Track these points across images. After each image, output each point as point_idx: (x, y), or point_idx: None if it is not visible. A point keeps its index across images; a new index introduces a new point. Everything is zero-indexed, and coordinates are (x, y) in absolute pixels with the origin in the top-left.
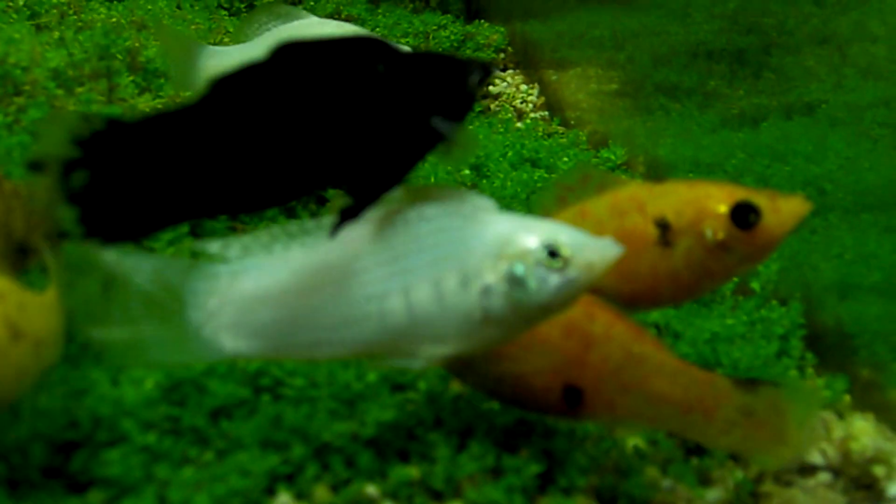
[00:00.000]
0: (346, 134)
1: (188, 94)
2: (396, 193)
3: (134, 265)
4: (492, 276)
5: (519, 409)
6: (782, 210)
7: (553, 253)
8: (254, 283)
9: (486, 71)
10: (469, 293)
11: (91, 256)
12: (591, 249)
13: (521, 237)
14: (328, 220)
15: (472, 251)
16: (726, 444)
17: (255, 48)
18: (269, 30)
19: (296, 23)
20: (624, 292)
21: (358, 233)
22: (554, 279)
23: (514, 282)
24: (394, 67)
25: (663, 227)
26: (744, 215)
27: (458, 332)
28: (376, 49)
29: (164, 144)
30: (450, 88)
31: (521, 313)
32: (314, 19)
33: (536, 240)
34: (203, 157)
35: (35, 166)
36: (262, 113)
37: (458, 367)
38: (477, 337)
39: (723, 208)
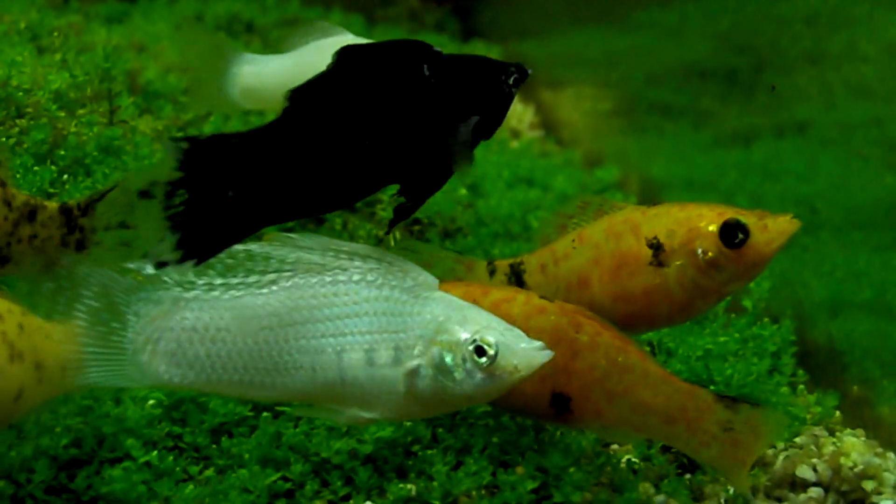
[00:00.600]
0: (404, 133)
1: (204, 110)
2: (347, 247)
3: (85, 276)
4: (422, 359)
5: (516, 415)
6: (769, 229)
7: (480, 350)
8: (195, 315)
9: (522, 72)
10: (398, 369)
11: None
12: (518, 354)
13: (455, 327)
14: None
15: (408, 329)
16: (707, 458)
17: (291, 59)
18: (306, 44)
19: (332, 38)
20: (621, 314)
21: (301, 283)
22: (478, 375)
23: (442, 369)
24: (438, 69)
25: (656, 247)
26: (732, 234)
27: (383, 402)
28: (422, 51)
29: (257, 158)
30: (489, 89)
31: (444, 398)
32: (350, 36)
33: (467, 334)
34: (291, 166)
35: (144, 194)
36: (340, 117)
37: None
38: (399, 409)
39: (712, 228)
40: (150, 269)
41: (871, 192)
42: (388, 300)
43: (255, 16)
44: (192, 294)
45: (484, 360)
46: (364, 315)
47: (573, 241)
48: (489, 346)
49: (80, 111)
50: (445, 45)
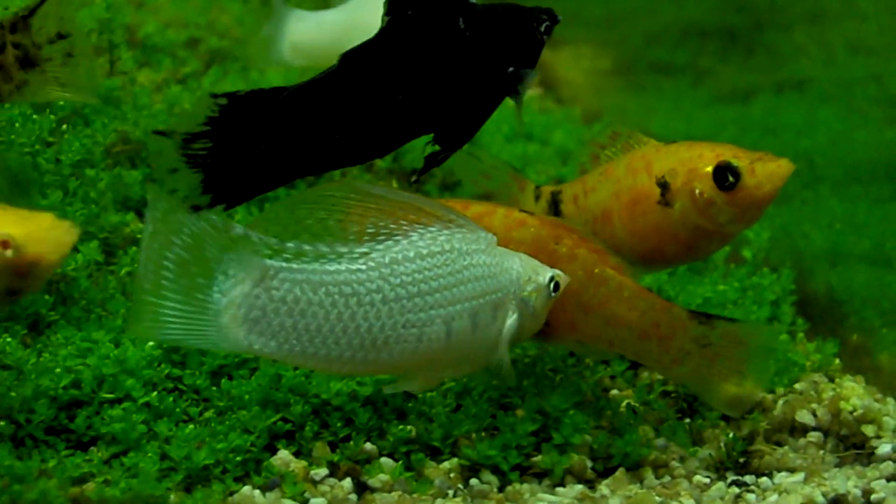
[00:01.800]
0: (442, 85)
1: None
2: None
3: (178, 224)
4: (514, 309)
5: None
6: (757, 172)
7: (556, 286)
8: (285, 287)
9: (553, 18)
10: (495, 326)
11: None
12: (564, 280)
13: (534, 275)
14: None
15: (502, 287)
16: (678, 375)
17: (338, 14)
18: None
19: None
20: (637, 250)
21: (400, 258)
22: (548, 305)
23: (527, 313)
24: (473, 22)
25: (663, 186)
26: (723, 176)
27: (478, 360)
28: (458, 5)
29: (297, 112)
30: (522, 37)
31: (520, 337)
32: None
33: (546, 278)
34: (331, 120)
35: (161, 133)
36: (382, 74)
37: None
38: (481, 362)
39: (708, 169)
40: (240, 230)
41: (870, 146)
42: (483, 265)
43: None
44: (281, 263)
45: (556, 293)
46: (468, 282)
47: (600, 173)
48: (561, 279)
49: None
50: None
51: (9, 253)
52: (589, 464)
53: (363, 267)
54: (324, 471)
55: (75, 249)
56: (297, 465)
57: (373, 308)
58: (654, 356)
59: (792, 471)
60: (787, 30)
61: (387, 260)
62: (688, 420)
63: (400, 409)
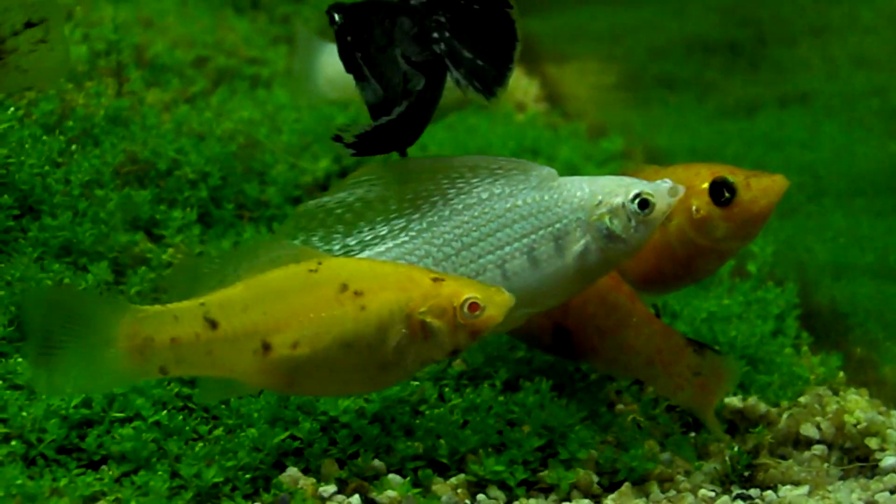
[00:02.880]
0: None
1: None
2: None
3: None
4: (586, 237)
5: (533, 348)
6: (752, 187)
7: (644, 203)
8: None
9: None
10: (565, 256)
11: None
12: (663, 194)
13: (607, 197)
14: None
15: (561, 218)
16: (682, 400)
17: None
18: None
19: None
20: (635, 271)
21: (436, 220)
22: (642, 227)
23: (611, 236)
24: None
25: None
26: (719, 192)
27: (553, 293)
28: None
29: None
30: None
31: (612, 261)
32: None
33: (621, 196)
34: None
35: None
36: None
37: None
38: (569, 292)
39: (704, 186)
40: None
41: (873, 159)
42: (532, 202)
43: None
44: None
45: (647, 210)
46: (515, 222)
47: None
48: (651, 196)
49: (89, 83)
50: None
51: (477, 313)
52: (595, 478)
53: (406, 238)
54: (332, 487)
55: (85, 269)
56: (306, 481)
57: (437, 266)
58: (661, 381)
59: (796, 484)
60: (790, 44)
61: (425, 225)
62: (693, 434)
63: (407, 425)
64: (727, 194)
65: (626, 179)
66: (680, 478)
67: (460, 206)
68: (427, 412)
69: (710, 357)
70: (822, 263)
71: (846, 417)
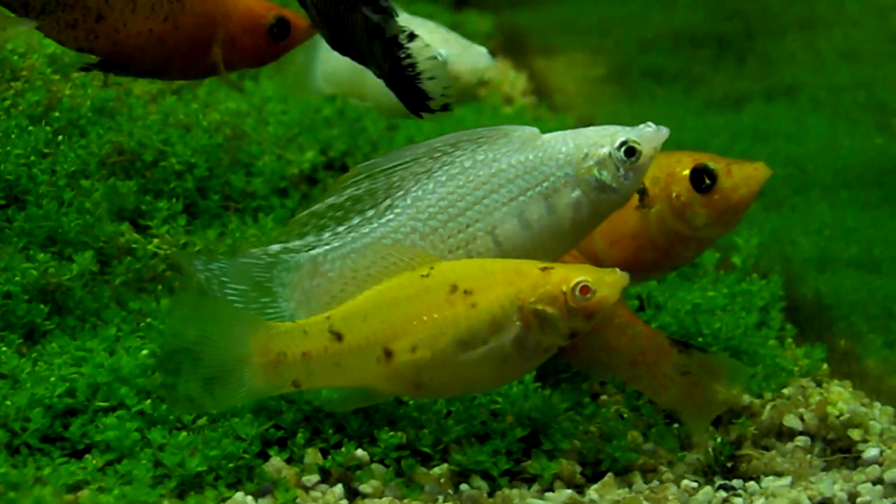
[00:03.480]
0: None
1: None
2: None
3: (224, 270)
4: (576, 191)
5: None
6: (734, 174)
7: (630, 151)
8: (336, 265)
9: None
10: (557, 214)
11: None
12: (648, 138)
13: (593, 149)
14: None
15: (548, 175)
16: (665, 400)
17: None
18: None
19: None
20: (616, 259)
21: (420, 195)
22: (631, 174)
23: (602, 187)
24: None
25: (642, 192)
26: (700, 179)
27: (547, 251)
28: None
29: None
30: None
31: (604, 211)
32: (404, 15)
33: (607, 146)
34: None
35: None
36: None
37: None
38: (562, 249)
39: (685, 172)
40: (275, 247)
41: (859, 152)
42: (516, 164)
43: None
44: (323, 249)
45: (634, 157)
46: (500, 187)
47: None
48: (637, 142)
49: (75, 74)
50: (438, 15)
51: (588, 297)
52: (578, 469)
53: (392, 216)
54: (315, 477)
55: (70, 259)
56: (289, 471)
57: (424, 240)
58: (644, 382)
59: (779, 475)
60: (778, 37)
61: (409, 201)
62: (676, 425)
63: (391, 415)
64: (707, 181)
65: (609, 129)
66: (663, 468)
67: (444, 178)
68: (411, 402)
69: (697, 356)
70: (806, 256)
71: (829, 409)
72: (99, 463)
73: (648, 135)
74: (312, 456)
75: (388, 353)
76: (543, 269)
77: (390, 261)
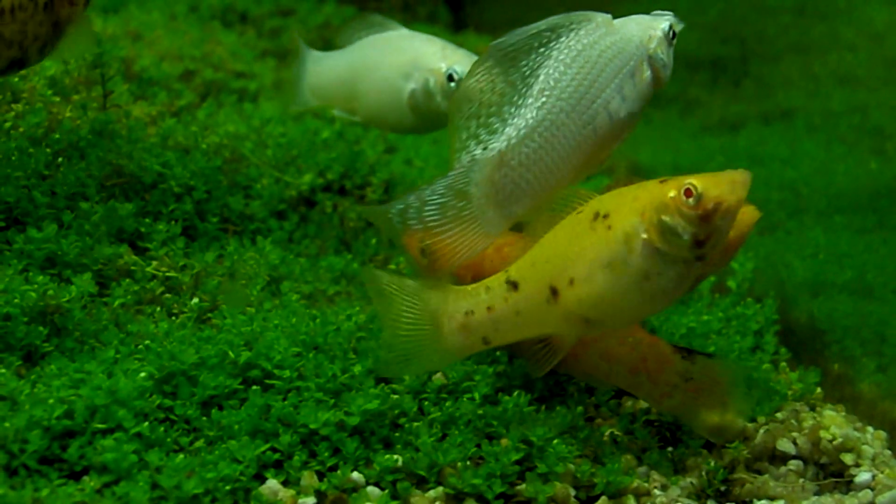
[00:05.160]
0: None
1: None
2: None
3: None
4: (649, 68)
5: (518, 357)
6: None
7: (673, 32)
8: (519, 151)
9: None
10: (638, 88)
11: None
12: (675, 22)
13: (654, 30)
14: None
15: (632, 55)
16: (669, 407)
17: (345, 55)
18: (361, 38)
19: (387, 33)
20: None
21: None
22: (671, 52)
23: (664, 65)
24: None
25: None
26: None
27: (633, 124)
28: None
29: None
30: None
31: (661, 86)
32: (404, 31)
33: (660, 29)
34: None
35: None
36: None
37: None
38: (636, 122)
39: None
40: (465, 157)
41: (853, 176)
42: (608, 46)
43: (249, 6)
44: (503, 143)
45: (674, 38)
46: (605, 68)
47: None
48: (675, 24)
49: (75, 97)
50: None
51: (691, 201)
52: (572, 492)
53: (544, 99)
54: (311, 499)
55: (69, 281)
56: (286, 493)
57: (569, 119)
58: (645, 389)
59: (772, 499)
60: (774, 61)
61: (550, 83)
62: (670, 448)
63: (386, 438)
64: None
65: (647, 18)
66: (657, 492)
67: (568, 61)
68: (406, 425)
69: (701, 362)
70: (801, 280)
71: (822, 433)
72: (96, 485)
73: (674, 19)
74: (308, 478)
75: (554, 292)
76: (661, 182)
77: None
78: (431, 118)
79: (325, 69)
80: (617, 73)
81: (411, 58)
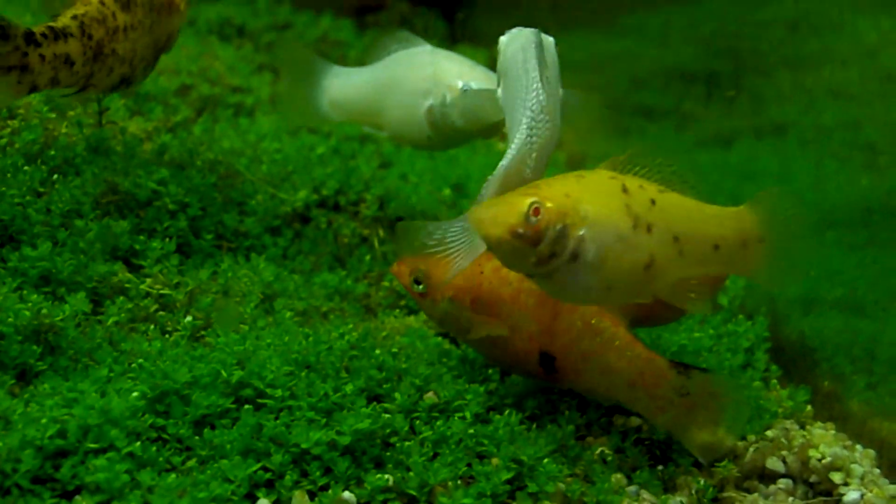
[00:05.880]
0: None
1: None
2: None
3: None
4: None
5: (513, 373)
6: None
7: None
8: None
9: None
10: None
11: None
12: None
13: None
14: None
15: None
16: (664, 422)
17: (372, 71)
18: (389, 54)
19: (413, 49)
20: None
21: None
22: None
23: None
24: None
25: None
26: None
27: None
28: None
29: None
30: None
31: None
32: (428, 47)
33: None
34: None
35: None
36: None
37: (461, 333)
38: None
39: None
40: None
41: (846, 192)
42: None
43: (246, 20)
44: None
45: None
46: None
47: None
48: None
49: (71, 113)
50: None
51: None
52: None
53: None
54: None
55: (63, 299)
56: None
57: None
58: (642, 404)
59: None
60: (767, 75)
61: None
62: (660, 467)
63: (378, 458)
64: None
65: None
66: None
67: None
68: (397, 444)
69: (697, 377)
70: (792, 297)
71: (811, 452)
72: None
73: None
74: (300, 498)
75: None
76: None
77: None
78: (449, 134)
79: (348, 84)
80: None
81: (430, 74)
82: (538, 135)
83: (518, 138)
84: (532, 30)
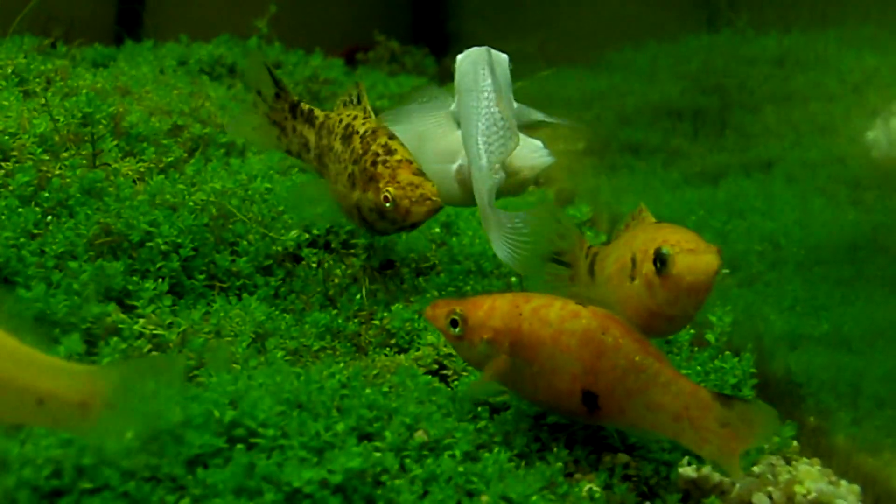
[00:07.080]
0: None
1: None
2: None
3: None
4: None
5: (554, 413)
6: (680, 263)
7: None
8: None
9: None
10: None
11: None
12: None
13: None
14: None
15: None
16: (708, 453)
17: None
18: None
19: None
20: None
21: None
22: None
23: None
24: None
25: (633, 262)
26: (656, 261)
27: None
28: None
29: None
30: None
31: None
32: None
33: None
34: None
35: None
36: None
37: (504, 375)
38: None
39: (652, 251)
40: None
41: (833, 228)
42: None
43: (237, 59)
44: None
45: None
46: None
47: (617, 239)
48: None
49: (64, 154)
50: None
51: None
52: None
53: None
54: None
55: (57, 341)
56: None
57: None
58: (687, 436)
59: None
60: (755, 111)
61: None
62: (648, 503)
63: (368, 496)
64: (660, 265)
65: None
66: None
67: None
68: (388, 483)
69: (738, 407)
70: (778, 333)
71: (797, 487)
72: None
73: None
74: None
75: None
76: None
77: None
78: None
79: None
80: None
81: (457, 137)
82: (492, 141)
83: (475, 147)
84: (484, 47)
